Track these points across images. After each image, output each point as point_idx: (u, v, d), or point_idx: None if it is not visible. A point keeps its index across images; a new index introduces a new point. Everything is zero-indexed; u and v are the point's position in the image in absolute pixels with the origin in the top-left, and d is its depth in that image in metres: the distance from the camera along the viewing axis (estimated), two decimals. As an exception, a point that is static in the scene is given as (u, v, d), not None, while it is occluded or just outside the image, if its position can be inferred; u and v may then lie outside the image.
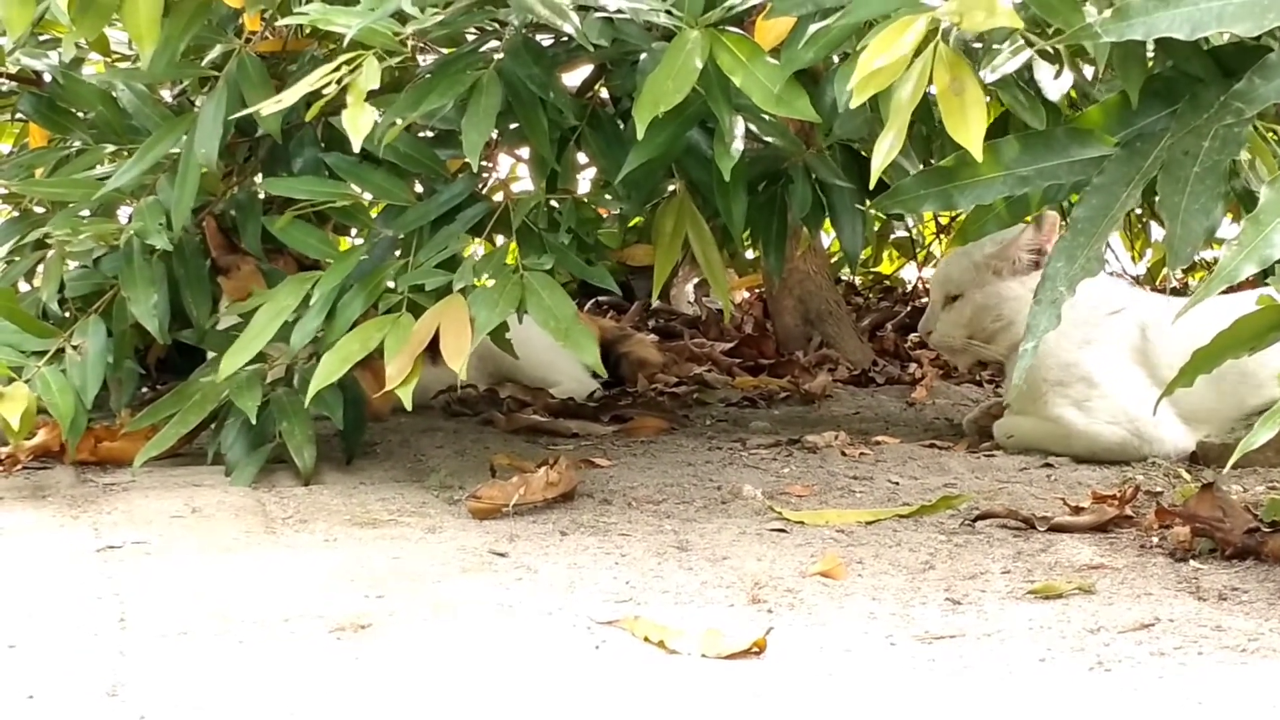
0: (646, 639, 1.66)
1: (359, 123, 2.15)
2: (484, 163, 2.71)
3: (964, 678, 1.55)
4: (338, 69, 2.20)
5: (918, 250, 5.54)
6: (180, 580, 1.94)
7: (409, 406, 2.40)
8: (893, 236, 5.58)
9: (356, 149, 2.22)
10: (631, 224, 3.46)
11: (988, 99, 1.87)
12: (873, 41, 1.78)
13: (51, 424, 2.68)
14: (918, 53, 1.76)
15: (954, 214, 4.24)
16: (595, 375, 3.57)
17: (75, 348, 2.66)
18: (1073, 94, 2.83)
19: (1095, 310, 2.84)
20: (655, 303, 4.71)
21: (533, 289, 2.42)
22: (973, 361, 3.09)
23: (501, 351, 2.75)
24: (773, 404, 3.57)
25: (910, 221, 3.92)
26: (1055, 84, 2.45)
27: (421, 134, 2.77)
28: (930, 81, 1.80)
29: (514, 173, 3.09)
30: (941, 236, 5.23)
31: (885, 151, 1.82)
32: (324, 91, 2.21)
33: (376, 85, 2.20)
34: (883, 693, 1.51)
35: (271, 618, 1.76)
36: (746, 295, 5.02)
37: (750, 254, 3.73)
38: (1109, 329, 2.83)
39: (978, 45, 2.00)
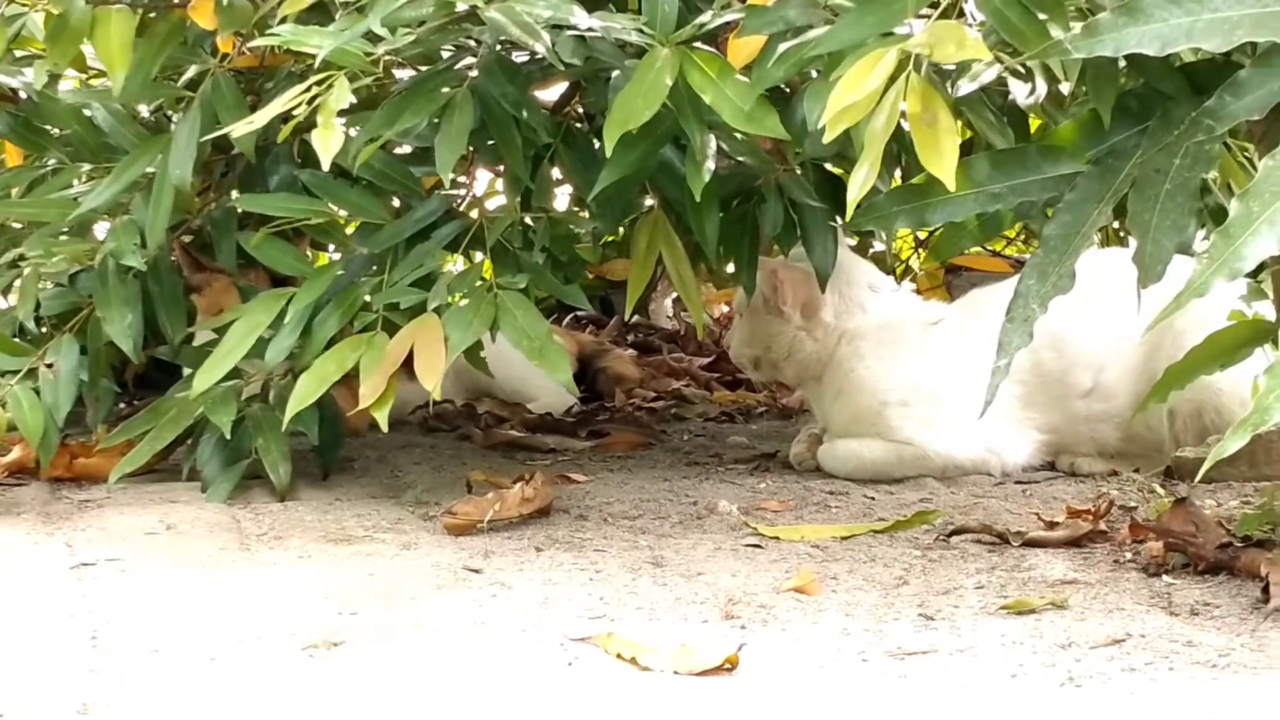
0: (619, 656, 1.66)
1: (328, 142, 2.15)
2: (461, 180, 2.71)
3: (936, 694, 1.55)
4: (309, 89, 2.20)
5: (895, 266, 5.54)
6: (153, 597, 1.94)
7: (385, 428, 2.40)
8: (871, 251, 5.57)
9: (326, 168, 2.22)
10: (611, 239, 3.46)
11: (958, 122, 1.86)
12: (844, 77, 1.78)
13: (26, 440, 2.67)
14: (891, 82, 1.77)
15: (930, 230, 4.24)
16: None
17: (49, 366, 2.66)
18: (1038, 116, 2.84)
19: (916, 323, 2.81)
20: (634, 317, 4.70)
21: (506, 308, 2.42)
22: (770, 380, 3.02)
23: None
24: (750, 419, 3.57)
25: (885, 237, 3.91)
26: (1028, 97, 2.46)
27: (397, 151, 2.78)
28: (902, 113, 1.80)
29: (492, 188, 3.08)
30: (920, 251, 5.24)
31: (861, 182, 1.80)
32: (295, 112, 2.21)
33: (346, 105, 2.20)
34: (854, 709, 1.51)
35: (244, 635, 1.75)
36: (725, 310, 5.02)
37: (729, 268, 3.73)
38: (936, 341, 2.79)
39: (950, 67, 2.00)
